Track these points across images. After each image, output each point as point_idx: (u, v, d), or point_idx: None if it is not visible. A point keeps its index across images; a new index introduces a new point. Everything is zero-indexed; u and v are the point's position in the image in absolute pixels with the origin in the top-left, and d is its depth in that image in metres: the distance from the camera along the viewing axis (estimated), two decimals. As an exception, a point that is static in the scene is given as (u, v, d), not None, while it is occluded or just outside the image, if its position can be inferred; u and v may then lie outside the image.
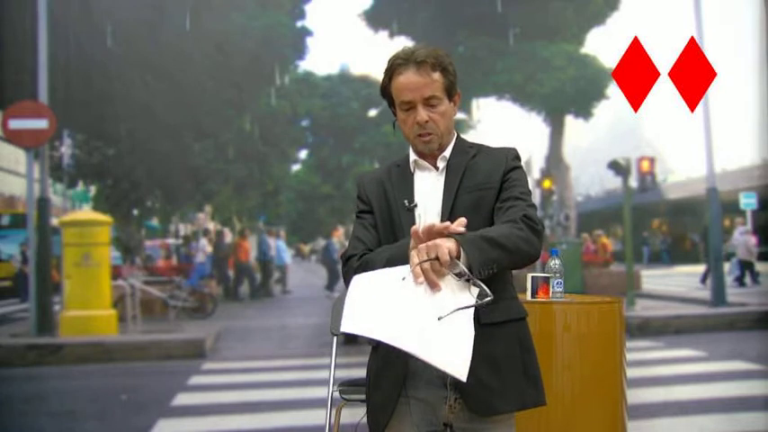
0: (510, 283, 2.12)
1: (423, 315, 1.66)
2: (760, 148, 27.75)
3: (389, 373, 2.04)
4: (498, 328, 2.00)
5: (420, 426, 2.02)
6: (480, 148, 2.18)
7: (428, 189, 2.12)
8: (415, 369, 2.01)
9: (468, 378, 1.68)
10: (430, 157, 2.14)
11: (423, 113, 2.06)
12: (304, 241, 47.17)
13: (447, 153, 2.14)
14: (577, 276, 14.30)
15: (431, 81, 2.06)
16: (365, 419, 2.15)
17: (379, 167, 2.31)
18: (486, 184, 2.08)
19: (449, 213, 2.03)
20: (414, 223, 2.05)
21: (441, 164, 2.13)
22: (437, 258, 1.71)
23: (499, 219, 2.01)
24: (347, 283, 2.01)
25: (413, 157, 2.17)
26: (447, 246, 1.72)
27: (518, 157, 2.16)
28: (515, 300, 2.10)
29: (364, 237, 2.14)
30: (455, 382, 1.96)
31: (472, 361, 1.69)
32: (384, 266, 1.90)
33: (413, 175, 2.15)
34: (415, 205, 2.09)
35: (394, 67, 2.10)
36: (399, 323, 1.65)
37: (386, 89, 2.14)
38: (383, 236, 2.13)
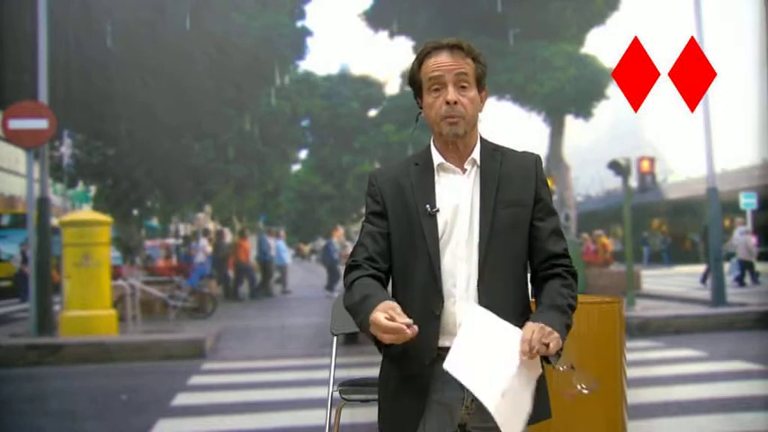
0: (528, 298, 2.12)
1: (509, 381, 1.82)
2: (760, 148, 27.70)
3: (413, 383, 2.01)
4: None
5: (435, 429, 2.01)
6: (504, 151, 2.12)
7: (454, 194, 2.04)
8: (437, 373, 2.00)
9: None
10: (456, 158, 2.07)
11: (453, 92, 2.00)
12: (304, 241, 47.15)
13: (476, 155, 2.07)
14: (577, 276, 14.27)
15: (463, 62, 2.02)
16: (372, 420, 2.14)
17: (394, 164, 2.18)
18: (521, 201, 2.05)
19: (489, 230, 1.99)
20: (436, 229, 2.00)
21: (468, 167, 2.06)
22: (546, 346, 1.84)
23: (543, 252, 2.06)
24: (346, 287, 2.02)
25: (438, 160, 2.08)
26: (557, 340, 1.86)
27: (542, 164, 2.15)
28: (530, 310, 2.11)
29: (370, 245, 2.05)
30: None
31: None
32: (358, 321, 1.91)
33: (435, 176, 2.07)
34: (437, 210, 2.02)
35: (425, 51, 2.06)
36: (491, 380, 1.81)
37: (414, 76, 2.08)
38: (400, 241, 2.04)
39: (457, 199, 2.03)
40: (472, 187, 2.05)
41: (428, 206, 2.02)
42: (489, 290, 1.98)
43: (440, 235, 2.01)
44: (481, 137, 2.13)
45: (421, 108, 2.10)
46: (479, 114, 2.11)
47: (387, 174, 2.14)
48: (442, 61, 2.01)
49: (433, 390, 2.01)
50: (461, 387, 1.98)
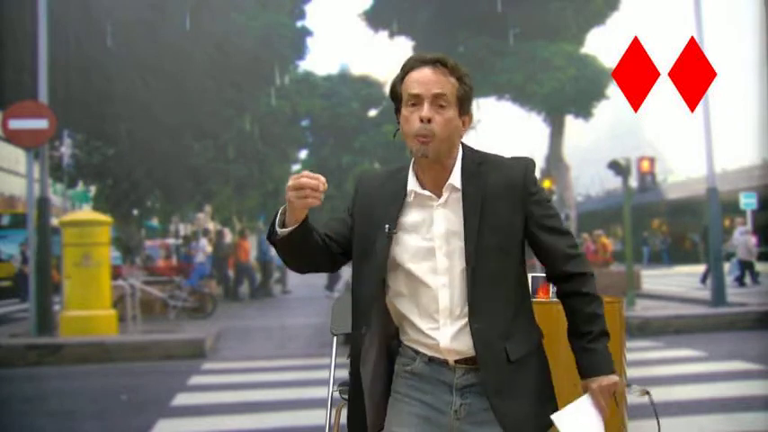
0: (530, 309, 2.12)
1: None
2: (760, 148, 27.69)
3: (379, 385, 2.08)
4: (526, 361, 2.03)
5: (421, 427, 2.01)
6: (491, 163, 2.04)
7: (427, 220, 2.00)
8: (422, 372, 2.02)
9: (509, 415, 1.94)
10: (432, 182, 2.01)
11: (427, 110, 1.93)
12: (304, 241, 47.10)
13: (455, 180, 2.00)
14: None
15: (445, 81, 1.96)
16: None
17: (385, 172, 2.15)
18: (508, 225, 1.99)
19: (474, 256, 1.95)
20: (387, 250, 1.99)
21: (446, 192, 2.00)
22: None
23: (555, 265, 2.09)
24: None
25: (411, 185, 2.02)
26: (617, 383, 2.02)
27: (533, 172, 2.05)
28: (533, 323, 2.12)
29: (330, 225, 2.11)
30: (461, 389, 2.00)
31: (513, 395, 1.96)
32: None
33: (405, 197, 2.02)
34: (395, 232, 1.99)
35: (410, 64, 2.01)
36: None
37: (395, 88, 2.03)
38: (359, 255, 2.05)
39: (430, 225, 1.99)
40: (449, 214, 1.99)
41: (387, 226, 1.99)
42: (480, 313, 1.95)
43: (404, 258, 2.00)
44: (465, 152, 2.04)
45: (399, 123, 2.04)
46: (458, 138, 2.03)
47: (371, 183, 2.12)
48: (422, 77, 1.96)
49: (418, 388, 2.03)
50: (450, 391, 2.00)
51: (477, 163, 2.03)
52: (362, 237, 2.05)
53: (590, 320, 2.04)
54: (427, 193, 2.01)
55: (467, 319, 1.96)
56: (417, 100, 1.96)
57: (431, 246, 1.99)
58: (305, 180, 1.86)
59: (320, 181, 1.88)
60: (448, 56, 2.01)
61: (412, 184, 2.03)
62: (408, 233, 2.01)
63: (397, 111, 2.04)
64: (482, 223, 1.96)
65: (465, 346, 1.97)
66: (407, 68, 2.01)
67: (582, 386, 2.02)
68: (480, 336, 1.95)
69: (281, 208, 1.96)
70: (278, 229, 1.95)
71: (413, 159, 2.06)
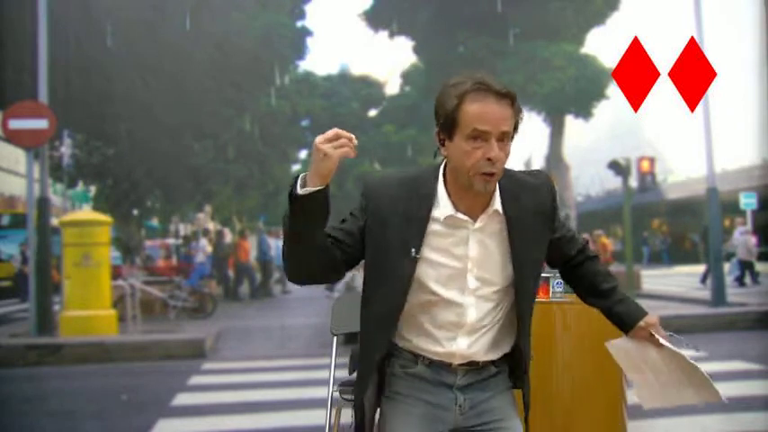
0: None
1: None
2: (760, 148, 27.72)
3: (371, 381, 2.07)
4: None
5: (425, 426, 2.02)
6: (516, 183, 2.03)
7: (456, 238, 1.96)
8: (423, 374, 2.02)
9: (526, 397, 2.12)
10: (467, 207, 1.95)
11: (497, 150, 1.87)
12: (304, 241, 47.07)
13: (498, 206, 1.97)
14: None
15: (509, 117, 1.90)
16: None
17: (395, 179, 2.04)
18: (542, 250, 2.08)
19: (522, 283, 2.00)
20: (413, 276, 1.94)
21: (485, 217, 1.97)
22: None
23: (567, 251, 2.19)
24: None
25: (448, 209, 1.95)
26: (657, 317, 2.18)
27: (555, 191, 2.11)
28: None
29: (338, 227, 1.98)
30: (462, 387, 2.02)
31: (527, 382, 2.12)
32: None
33: (428, 219, 1.95)
34: (419, 257, 1.93)
35: (470, 90, 1.88)
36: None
37: (452, 113, 1.89)
38: (373, 272, 1.99)
39: (464, 247, 1.96)
40: (484, 238, 1.98)
41: (413, 249, 1.93)
42: (526, 335, 2.07)
43: (429, 277, 1.96)
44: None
45: (441, 144, 1.95)
46: None
47: (384, 192, 1.99)
48: (491, 113, 1.87)
49: (419, 388, 2.02)
50: (451, 390, 2.01)
51: (508, 185, 2.01)
52: (378, 252, 1.97)
53: (607, 278, 2.20)
54: (464, 217, 1.96)
55: (483, 330, 2.01)
56: (483, 135, 1.87)
57: (462, 267, 1.96)
58: (339, 131, 1.83)
59: (351, 135, 1.85)
60: (504, 84, 1.94)
61: (448, 208, 1.96)
62: (435, 252, 1.96)
63: (445, 130, 1.92)
64: (526, 250, 2.00)
65: (475, 351, 2.02)
66: (467, 93, 1.89)
67: (637, 333, 2.13)
68: (527, 353, 2.08)
69: (302, 174, 1.87)
70: (299, 190, 1.83)
71: (440, 176, 1.99)
